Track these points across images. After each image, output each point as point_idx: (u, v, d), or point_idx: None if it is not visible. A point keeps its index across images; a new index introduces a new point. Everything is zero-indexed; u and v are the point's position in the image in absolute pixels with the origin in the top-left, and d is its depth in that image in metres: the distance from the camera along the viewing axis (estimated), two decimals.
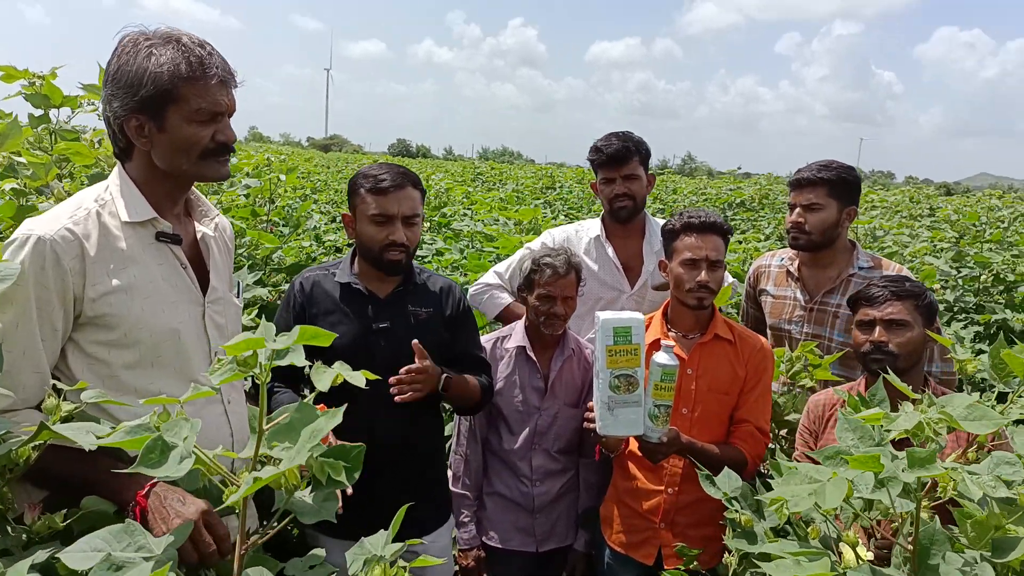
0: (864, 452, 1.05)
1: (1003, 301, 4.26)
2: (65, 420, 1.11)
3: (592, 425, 1.94)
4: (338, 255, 4.84)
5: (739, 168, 9.07)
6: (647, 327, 2.14)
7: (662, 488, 2.13)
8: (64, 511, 1.15)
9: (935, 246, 4.79)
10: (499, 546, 2.30)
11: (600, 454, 2.18)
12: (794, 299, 2.60)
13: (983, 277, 4.34)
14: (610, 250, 2.71)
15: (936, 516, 1.09)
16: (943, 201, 9.18)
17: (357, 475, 0.81)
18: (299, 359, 0.84)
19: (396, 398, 1.86)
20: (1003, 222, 5.09)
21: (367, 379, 0.87)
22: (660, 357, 1.85)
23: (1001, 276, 4.35)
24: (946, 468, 0.96)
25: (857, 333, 2.03)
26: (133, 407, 1.24)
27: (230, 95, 1.44)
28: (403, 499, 1.43)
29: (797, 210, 2.54)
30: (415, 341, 1.91)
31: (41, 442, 1.07)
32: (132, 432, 0.80)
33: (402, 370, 1.88)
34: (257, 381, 0.85)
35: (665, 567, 2.09)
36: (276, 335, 0.85)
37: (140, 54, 1.36)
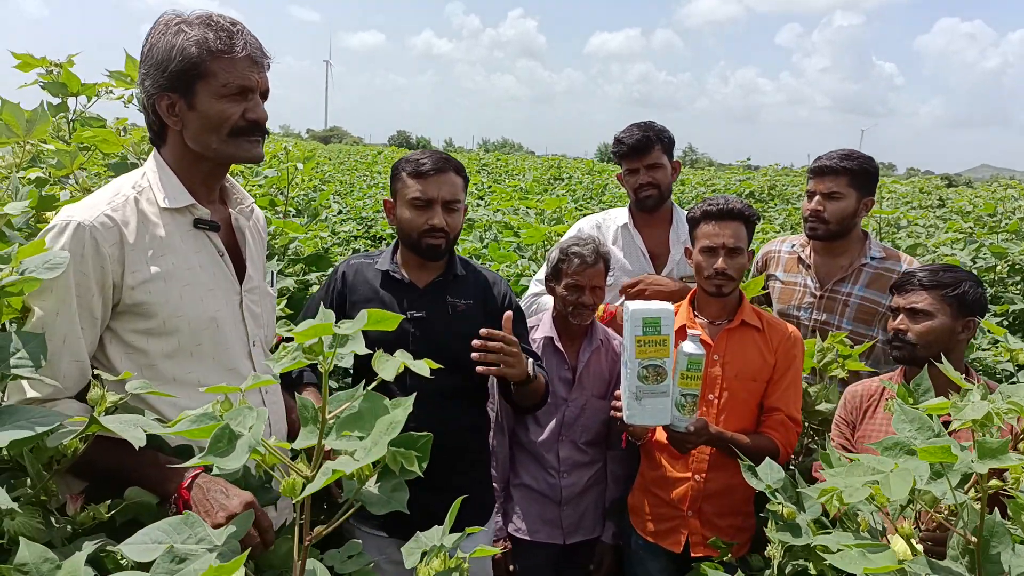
0: (928, 443, 1.03)
1: (1020, 292, 4.23)
2: (109, 412, 1.09)
3: (620, 414, 1.94)
4: (348, 246, 4.82)
5: (749, 159, 9.01)
6: (675, 314, 2.13)
7: (689, 475, 2.12)
8: (108, 502, 1.13)
9: (946, 237, 4.76)
10: (526, 538, 2.28)
11: (626, 442, 2.16)
12: (804, 286, 2.60)
13: (999, 268, 4.31)
14: (637, 238, 2.71)
15: (996, 508, 1.07)
16: (953, 192, 9.15)
17: (426, 464, 0.79)
18: (360, 347, 0.82)
19: (479, 368, 1.80)
20: (1017, 212, 5.05)
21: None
22: (686, 346, 1.85)
23: (1018, 266, 4.32)
24: (1021, 459, 0.94)
25: (890, 320, 2.03)
26: (176, 398, 1.23)
27: (261, 73, 1.42)
28: (439, 496, 1.41)
29: (817, 198, 2.53)
30: (492, 332, 1.84)
31: (88, 434, 1.05)
32: (198, 421, 0.78)
33: (483, 331, 1.80)
34: (320, 369, 0.82)
35: (693, 555, 2.09)
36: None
37: (170, 31, 1.36)
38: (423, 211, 1.92)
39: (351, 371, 2.44)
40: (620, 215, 2.77)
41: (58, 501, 1.14)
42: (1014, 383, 1.29)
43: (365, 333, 2.03)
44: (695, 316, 2.20)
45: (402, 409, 0.76)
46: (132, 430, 1.00)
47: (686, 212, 2.36)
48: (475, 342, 1.81)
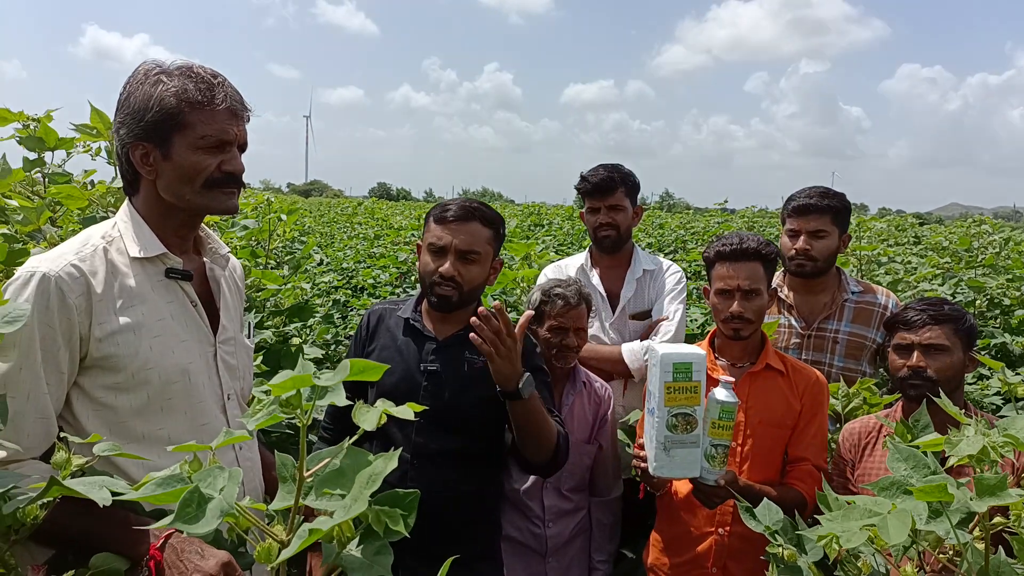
0: (925, 482, 1.01)
1: (1000, 325, 4.26)
2: (75, 475, 1.04)
3: (643, 464, 1.82)
4: (328, 296, 4.77)
5: (726, 201, 9.09)
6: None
7: (712, 530, 2.01)
8: (72, 572, 1.07)
9: (926, 272, 4.80)
10: None
11: (644, 492, 2.08)
12: (788, 326, 2.58)
13: (978, 302, 4.34)
14: (595, 278, 2.70)
15: (1001, 547, 1.04)
16: (927, 230, 9.33)
17: (412, 522, 0.75)
18: (339, 399, 0.78)
19: (470, 335, 1.65)
20: (991, 247, 5.12)
21: (405, 420, 0.81)
22: (719, 393, 1.73)
23: (996, 300, 4.35)
24: (1021, 495, 0.91)
25: (894, 357, 1.97)
26: (147, 460, 1.17)
27: (240, 126, 1.40)
28: (435, 569, 1.33)
29: (803, 237, 2.50)
30: (496, 302, 1.72)
31: (50, 499, 0.99)
32: (164, 484, 0.73)
33: (483, 311, 1.64)
34: (298, 424, 0.78)
35: None
36: None
37: (149, 81, 1.34)
38: (437, 257, 1.85)
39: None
40: (580, 257, 2.79)
41: (18, 573, 1.08)
42: (1002, 417, 1.27)
43: (378, 384, 1.95)
44: (716, 358, 2.10)
45: (383, 461, 0.72)
46: (96, 490, 0.95)
47: (702, 251, 2.34)
48: (480, 309, 1.66)
